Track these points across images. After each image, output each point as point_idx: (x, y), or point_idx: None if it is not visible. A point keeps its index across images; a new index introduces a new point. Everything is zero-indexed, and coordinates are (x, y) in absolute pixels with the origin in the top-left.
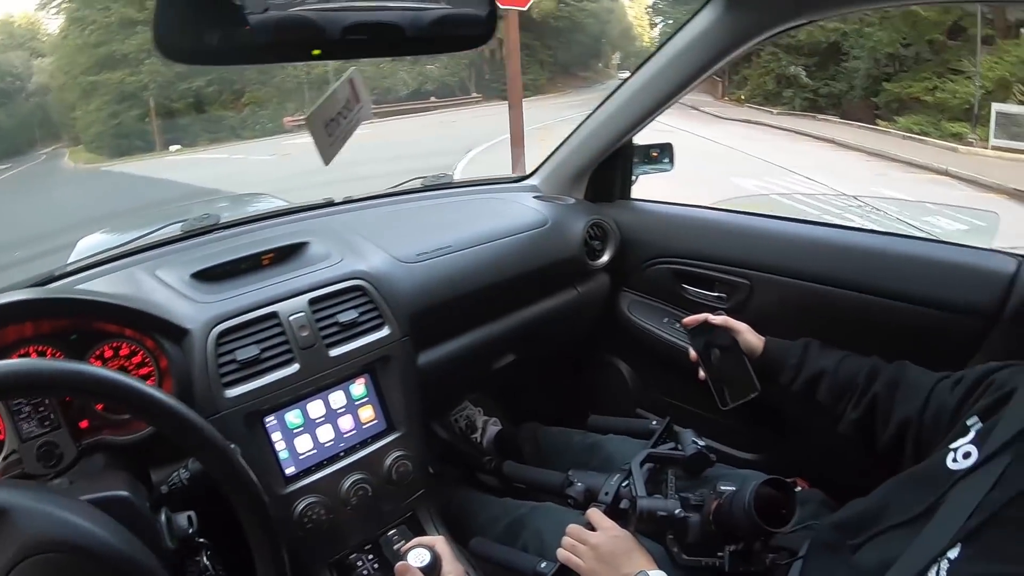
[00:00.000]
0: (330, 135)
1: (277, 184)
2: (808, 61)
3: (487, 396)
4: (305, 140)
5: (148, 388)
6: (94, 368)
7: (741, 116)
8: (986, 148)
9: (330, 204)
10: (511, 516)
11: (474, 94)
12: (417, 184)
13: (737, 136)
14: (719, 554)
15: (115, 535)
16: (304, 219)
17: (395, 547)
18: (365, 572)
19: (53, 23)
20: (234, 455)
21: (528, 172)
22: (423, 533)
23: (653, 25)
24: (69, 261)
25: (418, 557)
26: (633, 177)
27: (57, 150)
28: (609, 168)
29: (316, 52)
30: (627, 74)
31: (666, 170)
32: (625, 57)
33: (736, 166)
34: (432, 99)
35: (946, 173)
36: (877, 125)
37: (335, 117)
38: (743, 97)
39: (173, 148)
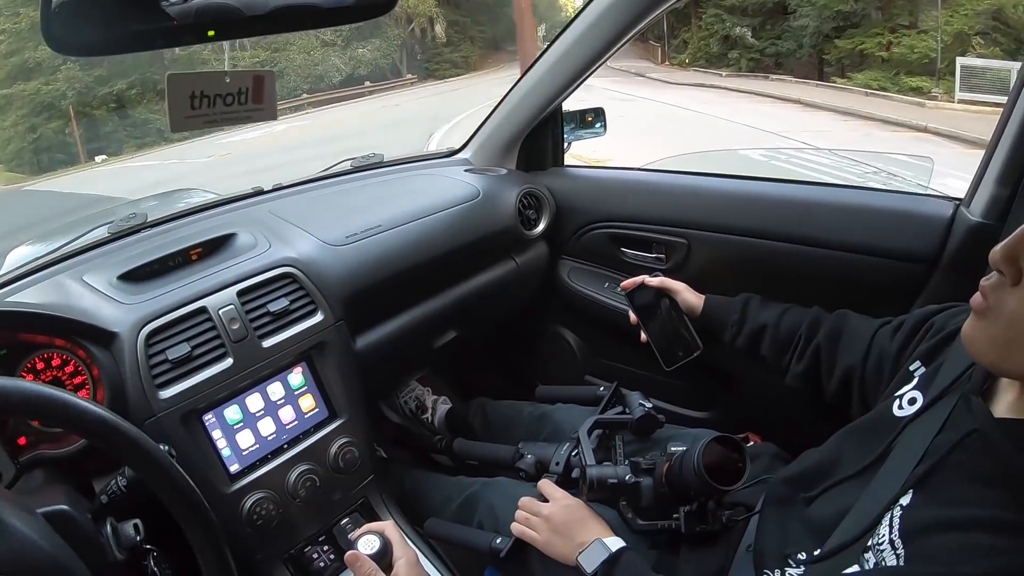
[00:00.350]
0: (193, 108)
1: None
2: (752, 21)
3: (435, 375)
4: (245, 137)
5: (59, 394)
6: (5, 381)
7: (692, 80)
8: (952, 102)
9: (259, 193)
10: (464, 494)
11: (408, 75)
12: (347, 166)
13: (699, 101)
14: (674, 516)
15: (55, 550)
16: (233, 210)
17: (349, 536)
18: (321, 564)
19: None
20: (165, 457)
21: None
22: (376, 519)
23: None
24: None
25: (368, 544)
26: (566, 144)
27: None
28: (540, 136)
29: (211, 33)
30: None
31: (599, 135)
32: (551, 28)
33: (728, 136)
34: (367, 84)
35: (926, 130)
36: (833, 82)
37: (212, 96)
38: (687, 60)
39: (99, 159)
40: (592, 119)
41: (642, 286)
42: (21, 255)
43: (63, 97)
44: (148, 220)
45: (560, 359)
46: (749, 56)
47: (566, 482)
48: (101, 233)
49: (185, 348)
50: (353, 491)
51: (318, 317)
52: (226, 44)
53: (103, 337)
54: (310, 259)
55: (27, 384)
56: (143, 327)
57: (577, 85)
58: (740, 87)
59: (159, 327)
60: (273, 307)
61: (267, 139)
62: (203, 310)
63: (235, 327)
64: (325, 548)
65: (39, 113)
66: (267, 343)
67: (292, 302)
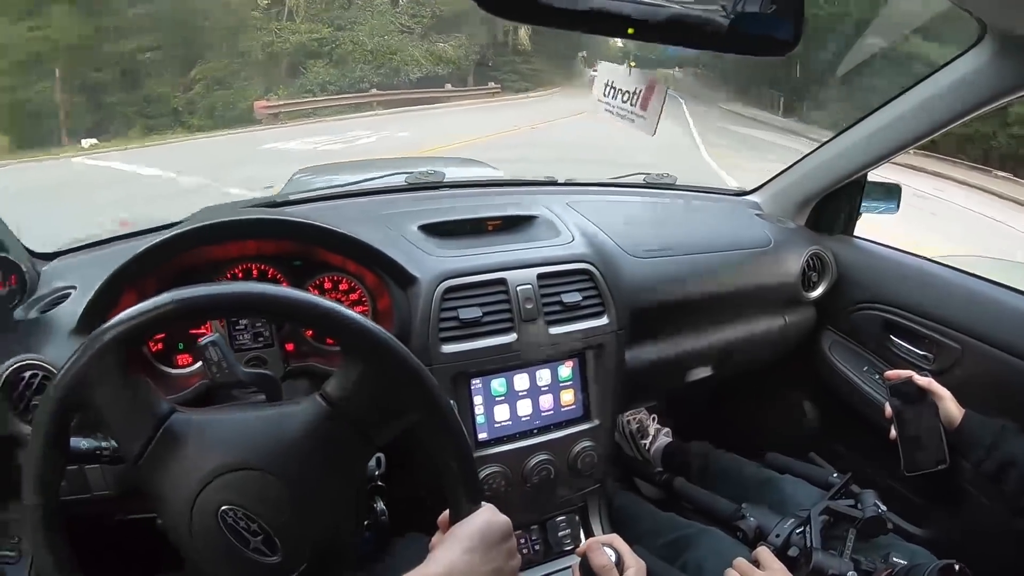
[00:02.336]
0: (605, 95)
1: None
2: None
3: (661, 404)
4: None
5: (399, 344)
6: (343, 309)
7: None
8: None
9: (552, 183)
10: (676, 533)
11: (492, 84)
12: (639, 179)
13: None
14: None
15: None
16: (525, 193)
17: (560, 534)
18: (525, 551)
19: None
20: (453, 411)
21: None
22: (589, 526)
23: None
24: (284, 191)
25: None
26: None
27: None
28: (837, 199)
29: (631, 31)
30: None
31: (892, 212)
32: (590, 55)
33: None
34: (448, 86)
35: None
36: None
37: (618, 89)
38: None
39: (86, 142)
40: (891, 195)
41: (908, 381)
42: (309, 179)
43: (54, 50)
44: (445, 180)
45: (790, 427)
46: None
47: (782, 557)
48: (399, 180)
49: (477, 312)
50: (577, 493)
51: (604, 320)
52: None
53: (404, 278)
54: (610, 262)
55: (364, 319)
56: (443, 281)
57: (891, 159)
58: (986, 185)
59: (458, 285)
60: (567, 298)
61: (348, 155)
62: (502, 282)
63: (528, 307)
64: (534, 538)
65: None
66: (553, 331)
67: (585, 298)
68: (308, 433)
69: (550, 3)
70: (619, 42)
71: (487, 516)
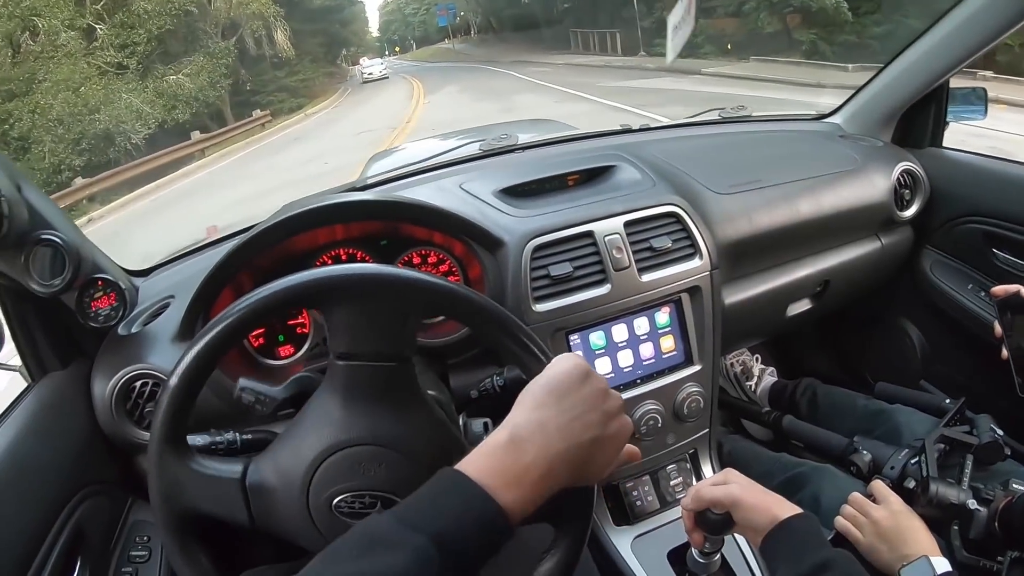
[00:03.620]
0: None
1: None
2: None
3: (763, 345)
4: None
5: (495, 305)
6: (438, 280)
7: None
8: None
9: (628, 130)
10: (788, 473)
11: (257, 112)
12: (714, 115)
13: None
14: (999, 558)
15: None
16: (602, 144)
17: (672, 483)
18: (639, 502)
19: None
20: (462, 288)
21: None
22: (701, 472)
23: None
24: (363, 176)
25: None
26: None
27: None
28: (921, 111)
29: None
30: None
31: (980, 118)
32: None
33: None
34: (196, 135)
35: None
36: None
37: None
38: (728, 47)
39: None
40: (977, 99)
41: (1016, 295)
42: (386, 161)
43: None
44: (519, 143)
45: (898, 356)
46: (840, 39)
47: (898, 489)
48: (473, 149)
49: (567, 267)
50: (686, 440)
51: (696, 261)
52: None
53: (491, 242)
54: (696, 202)
55: (445, 282)
56: (531, 240)
57: (972, 59)
58: None
59: (546, 243)
60: (656, 244)
61: None
62: (589, 234)
63: (618, 256)
64: (645, 489)
65: None
66: (645, 277)
67: (675, 242)
68: (347, 397)
69: None
70: (375, 32)
71: (555, 366)
